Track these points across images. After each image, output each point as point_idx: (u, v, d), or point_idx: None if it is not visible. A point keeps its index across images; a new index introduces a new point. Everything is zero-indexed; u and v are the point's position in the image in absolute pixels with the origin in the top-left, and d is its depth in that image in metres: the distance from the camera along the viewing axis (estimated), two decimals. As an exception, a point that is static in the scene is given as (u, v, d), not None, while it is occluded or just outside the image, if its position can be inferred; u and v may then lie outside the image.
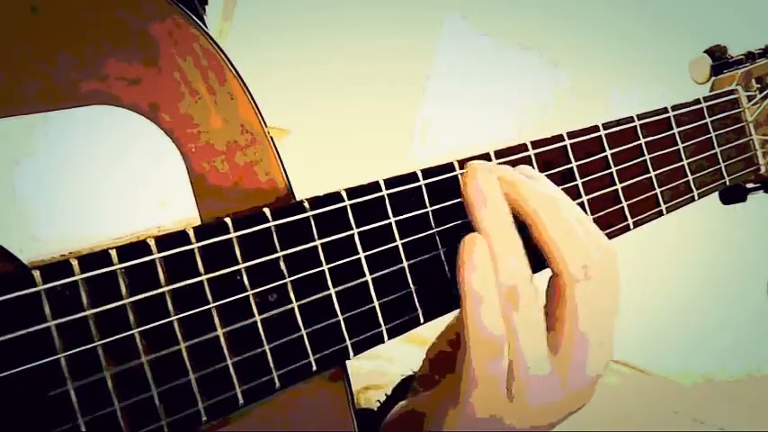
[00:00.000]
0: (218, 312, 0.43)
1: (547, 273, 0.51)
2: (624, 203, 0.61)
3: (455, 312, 0.52)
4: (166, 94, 0.44)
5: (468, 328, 0.47)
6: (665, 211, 0.63)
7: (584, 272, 0.49)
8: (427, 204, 0.51)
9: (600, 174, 0.60)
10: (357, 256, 0.48)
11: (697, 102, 0.68)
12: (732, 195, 0.77)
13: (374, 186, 0.49)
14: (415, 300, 0.50)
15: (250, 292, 0.44)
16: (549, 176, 0.57)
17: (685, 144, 0.66)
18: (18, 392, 0.37)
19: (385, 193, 0.49)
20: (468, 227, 0.52)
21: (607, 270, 0.50)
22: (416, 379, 0.59)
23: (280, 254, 0.45)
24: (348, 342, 0.47)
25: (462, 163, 0.53)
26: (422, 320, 0.51)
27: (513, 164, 0.55)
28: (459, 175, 0.52)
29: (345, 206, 0.47)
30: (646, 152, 0.63)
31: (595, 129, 0.60)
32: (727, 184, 0.70)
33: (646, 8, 2.40)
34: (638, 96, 2.40)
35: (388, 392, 0.63)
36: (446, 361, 0.55)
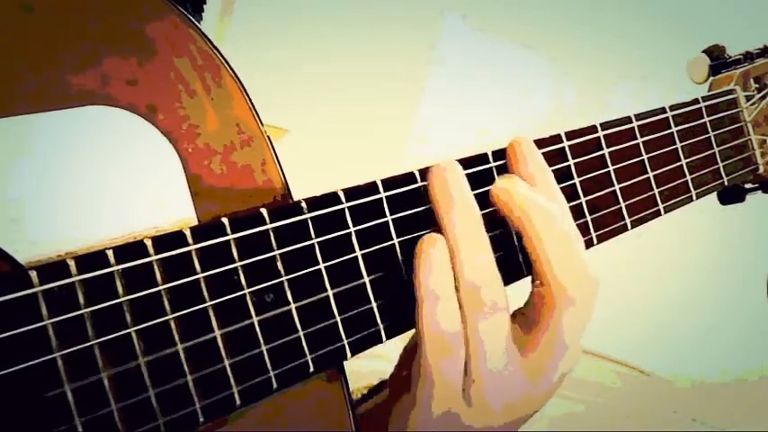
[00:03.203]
0: (215, 312, 0.42)
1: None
2: (622, 203, 0.61)
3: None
4: (163, 95, 0.44)
5: (423, 327, 0.47)
6: (662, 212, 0.63)
7: (573, 292, 0.49)
8: (425, 204, 0.51)
9: (598, 174, 0.60)
10: (354, 256, 0.48)
11: (695, 102, 0.68)
12: (730, 196, 0.77)
13: (372, 187, 0.49)
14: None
15: (247, 292, 0.44)
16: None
17: (683, 144, 0.66)
18: (15, 393, 0.37)
19: (383, 193, 0.49)
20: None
21: (591, 294, 0.50)
22: (390, 377, 0.58)
23: (277, 254, 0.45)
24: (345, 342, 0.47)
25: (461, 163, 0.53)
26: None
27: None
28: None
29: (343, 206, 0.47)
30: (644, 152, 0.63)
31: (593, 129, 0.60)
32: (726, 183, 0.70)
33: (645, 8, 2.40)
34: (636, 96, 2.40)
35: (365, 393, 0.62)
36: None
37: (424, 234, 0.50)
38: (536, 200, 0.51)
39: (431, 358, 0.47)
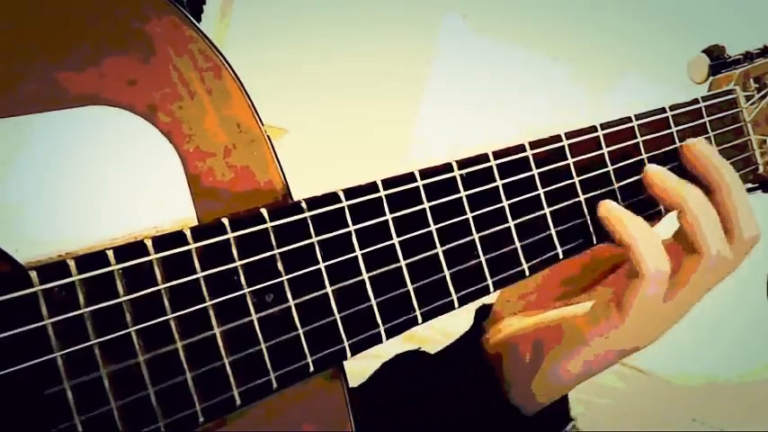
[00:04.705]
0: (215, 312, 0.42)
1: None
2: (622, 203, 0.61)
3: (454, 312, 0.52)
4: (163, 95, 0.44)
5: (643, 264, 0.57)
6: (663, 212, 0.63)
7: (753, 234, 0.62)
8: (425, 204, 0.51)
9: (597, 173, 0.60)
10: (354, 255, 0.48)
11: (695, 101, 0.68)
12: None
13: (372, 187, 0.49)
14: (413, 299, 0.50)
15: (247, 292, 0.44)
16: (546, 176, 0.57)
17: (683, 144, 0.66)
18: (14, 392, 0.37)
19: (383, 193, 0.49)
20: (467, 226, 0.52)
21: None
22: (507, 344, 0.66)
23: (277, 254, 0.45)
24: (346, 342, 0.47)
25: (461, 163, 0.53)
26: (420, 320, 0.51)
27: (513, 164, 0.55)
28: (459, 176, 0.52)
29: (343, 206, 0.47)
30: (644, 152, 0.63)
31: (593, 129, 0.60)
32: (726, 183, 0.70)
33: (645, 8, 2.40)
34: (636, 96, 2.40)
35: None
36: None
37: (423, 233, 0.50)
38: (724, 161, 0.63)
39: (649, 289, 0.57)
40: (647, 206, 0.62)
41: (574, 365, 0.61)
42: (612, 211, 0.59)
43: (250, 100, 0.47)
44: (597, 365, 0.61)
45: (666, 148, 0.65)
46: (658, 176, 0.61)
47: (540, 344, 0.63)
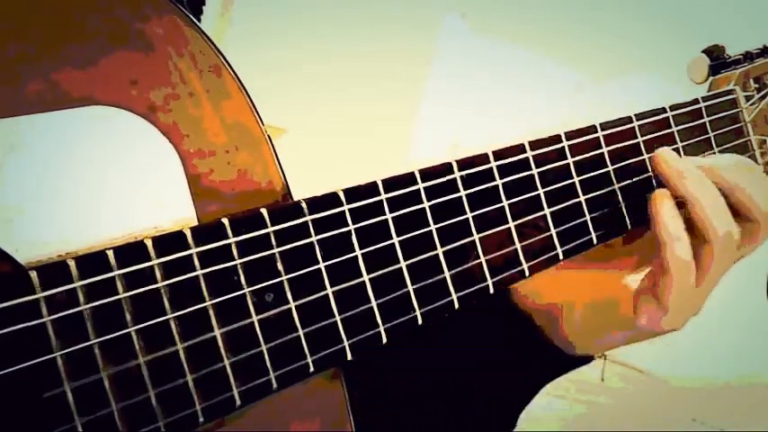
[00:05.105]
0: (216, 312, 0.42)
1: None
2: (622, 203, 0.61)
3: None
4: (163, 95, 0.44)
5: (673, 262, 0.59)
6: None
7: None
8: (425, 204, 0.51)
9: (597, 173, 0.60)
10: (354, 255, 0.48)
11: (695, 101, 0.68)
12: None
13: (372, 187, 0.49)
14: (413, 300, 0.50)
15: (247, 292, 0.44)
16: (545, 177, 0.57)
17: (683, 144, 0.66)
18: (15, 392, 0.37)
19: (383, 193, 0.49)
20: (467, 226, 0.52)
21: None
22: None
23: (277, 254, 0.45)
24: (346, 343, 0.47)
25: (461, 163, 0.53)
26: (420, 320, 0.50)
27: (513, 164, 0.55)
28: (459, 176, 0.52)
29: (343, 207, 0.47)
30: (644, 152, 0.63)
31: (593, 129, 0.60)
32: (726, 183, 0.70)
33: (645, 8, 2.40)
34: (636, 96, 2.40)
35: None
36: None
37: (423, 233, 0.50)
38: (729, 162, 0.64)
39: (683, 287, 0.60)
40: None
41: (621, 338, 0.65)
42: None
43: (250, 100, 0.47)
44: (642, 338, 0.65)
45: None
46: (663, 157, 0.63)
47: (590, 314, 0.66)
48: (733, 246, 0.61)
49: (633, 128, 0.63)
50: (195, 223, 0.44)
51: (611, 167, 0.61)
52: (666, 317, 0.62)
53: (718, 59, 0.75)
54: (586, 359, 0.69)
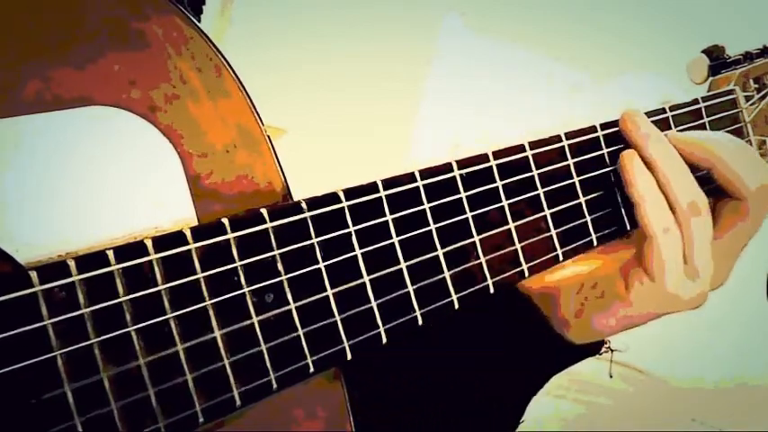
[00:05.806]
0: (216, 312, 0.42)
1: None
2: (622, 204, 0.61)
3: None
4: (163, 95, 0.44)
5: (648, 223, 0.59)
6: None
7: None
8: (425, 204, 0.51)
9: (597, 173, 0.60)
10: (354, 256, 0.48)
11: (695, 102, 0.68)
12: (730, 196, 0.76)
13: (372, 187, 0.49)
14: (413, 300, 0.50)
15: (247, 292, 0.44)
16: (545, 177, 0.57)
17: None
18: (15, 392, 0.37)
19: (383, 193, 0.49)
20: (467, 227, 0.52)
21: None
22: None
23: (277, 255, 0.45)
24: (346, 343, 0.47)
25: (461, 163, 0.53)
26: (420, 321, 0.51)
27: (513, 164, 0.55)
28: (459, 176, 0.52)
29: (343, 207, 0.47)
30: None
31: (593, 129, 0.61)
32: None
33: (645, 8, 2.40)
34: (636, 96, 2.40)
35: None
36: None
37: (423, 234, 0.50)
38: (707, 134, 0.64)
39: (663, 251, 0.59)
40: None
41: (619, 319, 0.64)
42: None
43: (250, 100, 0.47)
44: (639, 320, 0.64)
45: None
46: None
47: (583, 296, 0.66)
48: (704, 216, 0.60)
49: (633, 128, 0.63)
50: (195, 223, 0.44)
51: (611, 168, 0.61)
52: (657, 289, 0.60)
53: (717, 60, 0.75)
54: (586, 352, 0.69)
